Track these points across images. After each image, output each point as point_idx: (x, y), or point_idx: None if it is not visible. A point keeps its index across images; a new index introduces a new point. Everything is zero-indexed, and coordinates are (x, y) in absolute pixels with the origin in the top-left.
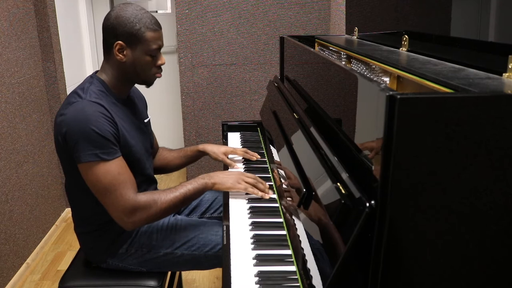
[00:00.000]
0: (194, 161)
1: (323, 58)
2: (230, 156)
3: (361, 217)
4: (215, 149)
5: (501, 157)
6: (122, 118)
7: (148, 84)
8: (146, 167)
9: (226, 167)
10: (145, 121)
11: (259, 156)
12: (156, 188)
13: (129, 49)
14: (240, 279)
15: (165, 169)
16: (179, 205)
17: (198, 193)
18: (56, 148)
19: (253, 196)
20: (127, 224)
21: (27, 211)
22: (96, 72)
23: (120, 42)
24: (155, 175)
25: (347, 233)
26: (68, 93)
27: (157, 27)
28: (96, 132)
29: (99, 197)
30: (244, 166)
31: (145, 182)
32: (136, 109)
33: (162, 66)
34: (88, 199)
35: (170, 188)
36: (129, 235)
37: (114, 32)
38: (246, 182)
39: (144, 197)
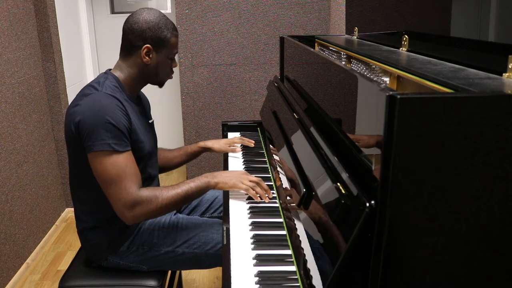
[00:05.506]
0: (194, 158)
1: (323, 58)
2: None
3: (361, 217)
4: (216, 144)
5: (501, 157)
6: (133, 115)
7: (162, 84)
8: (151, 165)
9: (226, 166)
10: (150, 121)
11: (254, 142)
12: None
13: (155, 52)
14: (240, 279)
15: (166, 167)
16: (180, 202)
17: (200, 191)
18: (66, 138)
19: None
20: (127, 218)
21: (27, 211)
22: (110, 69)
23: (148, 45)
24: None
25: (347, 233)
26: (68, 93)
27: (177, 32)
28: (111, 123)
29: (103, 187)
30: (244, 166)
31: (149, 180)
32: (143, 109)
33: None
34: (92, 193)
35: (172, 185)
36: (130, 233)
37: (143, 36)
38: (250, 181)
39: (146, 192)
